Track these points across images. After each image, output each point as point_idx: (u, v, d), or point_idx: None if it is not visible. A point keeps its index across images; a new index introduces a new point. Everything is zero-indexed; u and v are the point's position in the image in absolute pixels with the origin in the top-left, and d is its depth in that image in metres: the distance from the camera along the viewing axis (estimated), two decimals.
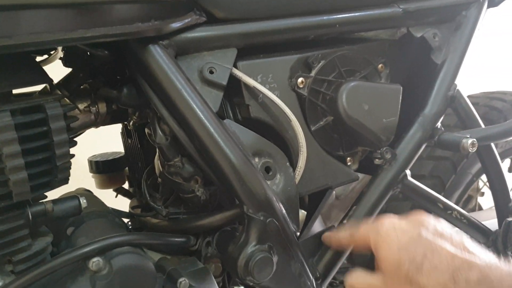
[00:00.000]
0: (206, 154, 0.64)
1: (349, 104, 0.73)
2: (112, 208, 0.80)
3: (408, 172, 0.81)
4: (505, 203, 0.96)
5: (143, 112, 0.76)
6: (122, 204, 0.91)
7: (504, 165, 1.18)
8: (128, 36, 0.59)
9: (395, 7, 0.79)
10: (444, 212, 0.86)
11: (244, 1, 0.69)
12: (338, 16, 0.75)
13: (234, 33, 0.68)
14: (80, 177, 0.92)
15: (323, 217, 0.83)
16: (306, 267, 0.71)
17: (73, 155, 0.62)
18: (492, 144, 0.91)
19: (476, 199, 1.37)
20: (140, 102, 0.69)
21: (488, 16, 0.92)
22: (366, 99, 0.75)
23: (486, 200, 1.31)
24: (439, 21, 0.84)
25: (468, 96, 0.89)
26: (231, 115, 0.72)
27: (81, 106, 0.72)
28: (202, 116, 0.63)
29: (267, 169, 0.69)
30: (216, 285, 0.67)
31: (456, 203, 1.03)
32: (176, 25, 0.63)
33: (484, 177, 1.12)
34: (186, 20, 0.64)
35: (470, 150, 0.78)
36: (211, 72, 0.66)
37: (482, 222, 0.95)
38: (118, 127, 0.92)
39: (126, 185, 0.97)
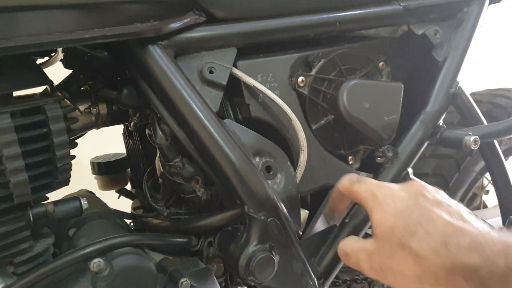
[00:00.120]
0: (207, 154, 0.64)
1: (350, 102, 0.73)
2: (114, 209, 0.80)
3: (410, 170, 0.80)
4: (509, 201, 0.95)
5: (143, 113, 0.76)
6: (125, 205, 0.91)
7: (509, 163, 1.17)
8: (127, 36, 0.59)
9: (395, 4, 0.79)
10: None
11: (243, 0, 0.69)
12: (338, 14, 0.74)
13: (233, 32, 0.68)
14: (83, 178, 0.92)
15: (326, 216, 0.83)
16: (308, 266, 0.71)
17: (73, 157, 0.62)
18: (496, 142, 0.90)
19: (481, 197, 1.36)
20: (140, 102, 0.69)
21: (491, 12, 0.91)
22: (367, 98, 0.75)
23: (491, 198, 1.30)
24: (440, 18, 0.84)
25: (472, 94, 0.88)
26: (231, 114, 0.72)
27: (81, 107, 0.72)
28: (202, 116, 0.63)
29: (268, 169, 0.68)
30: (218, 285, 0.67)
31: (461, 201, 1.02)
32: (175, 25, 0.63)
33: (488, 175, 1.11)
34: (186, 20, 0.64)
35: (472, 148, 0.77)
36: (211, 72, 0.66)
37: (487, 220, 0.94)
38: (120, 129, 0.93)
39: (128, 186, 0.97)
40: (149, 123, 0.69)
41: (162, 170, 0.71)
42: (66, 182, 0.62)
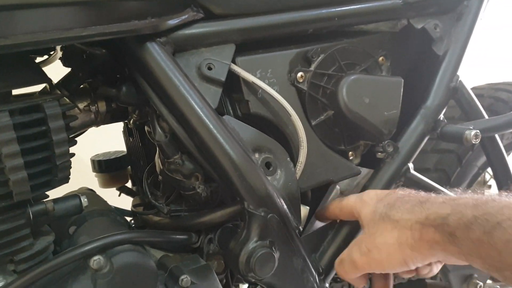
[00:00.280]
0: (206, 150, 0.64)
1: (350, 97, 0.73)
2: (114, 207, 0.80)
3: (411, 165, 0.80)
4: None
5: (142, 110, 0.76)
6: (126, 203, 0.91)
7: (511, 157, 1.17)
8: (125, 34, 0.59)
9: None
10: None
11: None
12: (337, 9, 0.74)
13: (232, 28, 0.67)
14: (84, 176, 0.92)
15: None
16: (309, 262, 0.70)
17: (73, 154, 0.62)
18: (497, 136, 0.90)
19: (483, 192, 1.35)
20: (139, 100, 0.69)
21: (492, 7, 0.91)
22: (367, 93, 0.74)
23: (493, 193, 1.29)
24: (440, 11, 0.83)
25: (473, 88, 0.88)
26: (230, 111, 0.72)
27: (81, 105, 0.72)
28: (201, 113, 0.63)
29: (268, 165, 0.68)
30: (219, 282, 0.67)
31: None
32: (173, 22, 0.62)
33: (490, 170, 1.11)
34: (183, 17, 0.64)
35: (473, 142, 0.77)
36: (210, 69, 0.66)
37: None
38: (120, 126, 0.93)
39: (129, 184, 0.97)
40: (148, 120, 0.69)
41: (161, 167, 0.71)
42: (65, 179, 0.62)
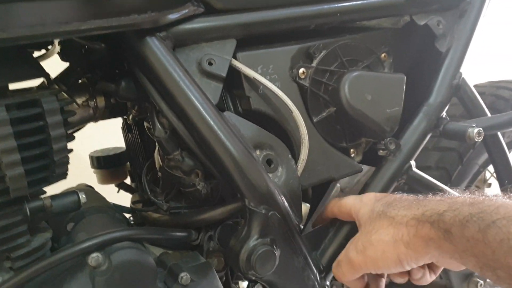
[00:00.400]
0: (206, 147, 0.63)
1: (352, 94, 0.72)
2: (113, 203, 0.79)
3: (412, 163, 0.80)
4: None
5: (142, 106, 0.75)
6: (125, 199, 0.91)
7: None
8: (124, 28, 0.58)
9: None
10: None
11: None
12: (339, 4, 0.73)
13: (233, 23, 0.67)
14: (82, 172, 0.92)
15: None
16: (310, 260, 0.70)
17: (71, 150, 0.61)
18: (499, 134, 0.89)
19: (483, 190, 1.35)
20: (138, 95, 0.68)
21: (495, 3, 0.90)
22: (369, 89, 0.74)
23: (494, 191, 1.29)
24: (443, 8, 0.83)
25: (474, 86, 0.87)
26: (231, 107, 0.71)
27: (79, 100, 0.71)
28: (201, 109, 0.62)
29: (269, 162, 0.68)
30: (218, 279, 0.67)
31: None
32: (173, 16, 0.62)
33: (491, 168, 1.10)
34: (184, 11, 0.63)
35: (476, 140, 0.76)
36: (210, 64, 0.65)
37: None
38: (119, 122, 0.92)
39: (128, 180, 0.96)
40: (148, 116, 0.68)
41: (161, 163, 0.70)
42: (63, 175, 0.61)
